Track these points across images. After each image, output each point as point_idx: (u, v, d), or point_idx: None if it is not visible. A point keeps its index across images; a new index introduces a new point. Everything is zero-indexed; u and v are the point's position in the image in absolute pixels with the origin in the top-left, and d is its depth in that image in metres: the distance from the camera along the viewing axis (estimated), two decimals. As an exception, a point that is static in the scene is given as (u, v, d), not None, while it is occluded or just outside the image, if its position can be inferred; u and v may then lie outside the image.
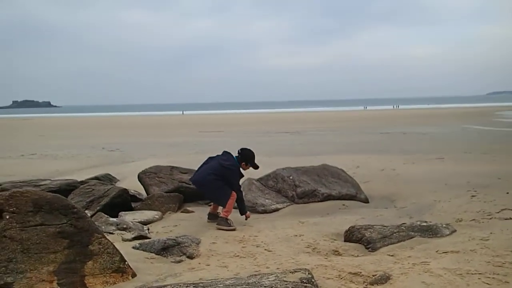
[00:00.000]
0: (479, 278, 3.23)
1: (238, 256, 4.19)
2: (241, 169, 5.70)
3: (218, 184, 5.48)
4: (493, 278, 3.23)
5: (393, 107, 79.21)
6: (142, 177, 7.41)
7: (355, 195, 6.96)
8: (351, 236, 4.66)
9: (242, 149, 5.76)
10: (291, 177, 7.04)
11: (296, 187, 6.86)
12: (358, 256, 4.15)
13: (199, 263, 4.01)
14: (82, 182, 7.25)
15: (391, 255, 3.95)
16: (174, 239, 4.50)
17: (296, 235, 4.86)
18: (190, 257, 4.22)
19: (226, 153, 5.74)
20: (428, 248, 4.09)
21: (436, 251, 3.95)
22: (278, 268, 3.69)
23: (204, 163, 5.82)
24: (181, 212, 6.58)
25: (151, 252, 4.30)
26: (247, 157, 5.68)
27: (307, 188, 6.81)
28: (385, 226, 4.73)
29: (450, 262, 3.62)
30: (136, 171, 8.14)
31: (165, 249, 4.34)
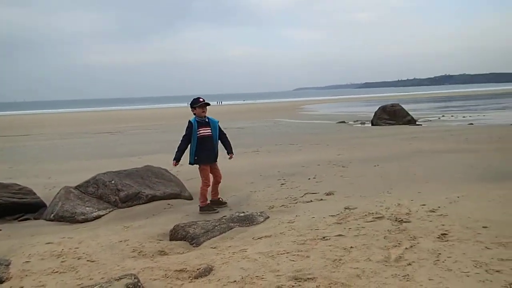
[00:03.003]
0: (286, 257, 3.73)
1: (57, 272, 3.88)
2: (198, 119, 6.09)
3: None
4: (297, 255, 3.77)
5: (217, 103, 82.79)
6: None
7: (180, 194, 7.13)
8: (176, 234, 4.79)
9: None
10: (113, 182, 6.78)
11: (119, 191, 6.65)
12: (183, 253, 4.30)
13: (11, 287, 3.58)
14: None
15: (214, 248, 4.22)
16: (-25, 266, 3.90)
17: (120, 241, 4.74)
18: (-2, 282, 3.73)
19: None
20: (246, 236, 4.50)
21: (253, 238, 4.39)
22: (102, 278, 3.57)
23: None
24: (-17, 232, 5.70)
25: None
26: (192, 103, 6.14)
27: (131, 191, 6.68)
28: (207, 220, 5.01)
29: (263, 246, 4.08)
30: None
31: (-37, 279, 3.73)
